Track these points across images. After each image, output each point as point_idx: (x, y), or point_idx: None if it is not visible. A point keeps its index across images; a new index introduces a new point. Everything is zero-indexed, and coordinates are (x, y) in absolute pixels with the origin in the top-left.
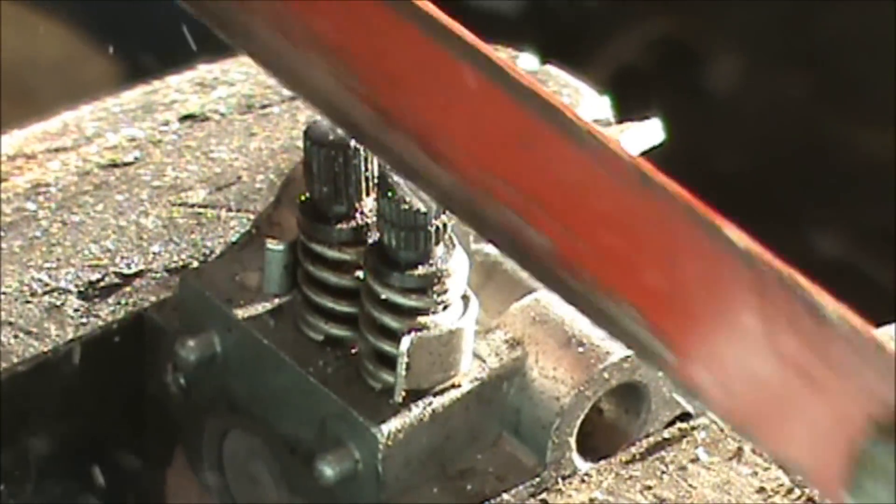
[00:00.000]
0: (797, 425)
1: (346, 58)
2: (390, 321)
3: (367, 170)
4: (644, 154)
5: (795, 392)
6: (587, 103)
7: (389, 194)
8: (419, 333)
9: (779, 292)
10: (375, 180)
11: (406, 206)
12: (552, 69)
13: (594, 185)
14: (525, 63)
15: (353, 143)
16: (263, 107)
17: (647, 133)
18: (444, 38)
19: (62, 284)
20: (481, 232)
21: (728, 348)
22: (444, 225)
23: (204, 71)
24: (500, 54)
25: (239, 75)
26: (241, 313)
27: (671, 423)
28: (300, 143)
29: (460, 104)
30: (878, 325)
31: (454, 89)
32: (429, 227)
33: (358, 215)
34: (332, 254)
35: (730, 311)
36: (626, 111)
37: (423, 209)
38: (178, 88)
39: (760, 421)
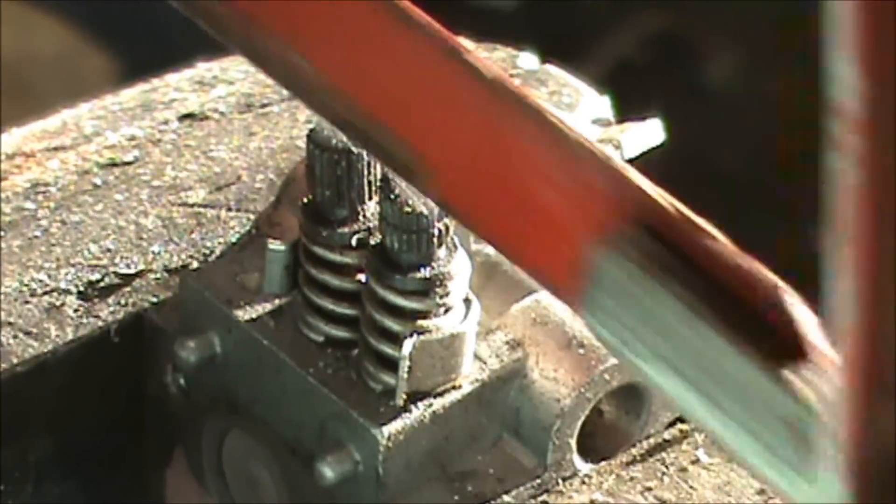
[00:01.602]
0: (538, 238)
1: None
2: (392, 324)
3: (369, 174)
4: (644, 154)
5: (534, 204)
6: (587, 103)
7: (392, 197)
8: (421, 337)
9: (517, 110)
10: (378, 184)
11: (408, 210)
12: (552, 69)
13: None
14: (525, 62)
15: (355, 147)
16: (263, 106)
17: (647, 133)
18: None
19: (61, 285)
20: (252, 60)
21: (473, 163)
22: (447, 228)
23: (203, 69)
24: (500, 53)
25: (238, 74)
26: (241, 314)
27: (672, 425)
28: (300, 143)
29: None
30: None
31: None
32: (431, 230)
33: (360, 218)
34: (334, 257)
35: (473, 129)
36: (625, 108)
37: (425, 212)
38: (178, 87)
39: (507, 231)
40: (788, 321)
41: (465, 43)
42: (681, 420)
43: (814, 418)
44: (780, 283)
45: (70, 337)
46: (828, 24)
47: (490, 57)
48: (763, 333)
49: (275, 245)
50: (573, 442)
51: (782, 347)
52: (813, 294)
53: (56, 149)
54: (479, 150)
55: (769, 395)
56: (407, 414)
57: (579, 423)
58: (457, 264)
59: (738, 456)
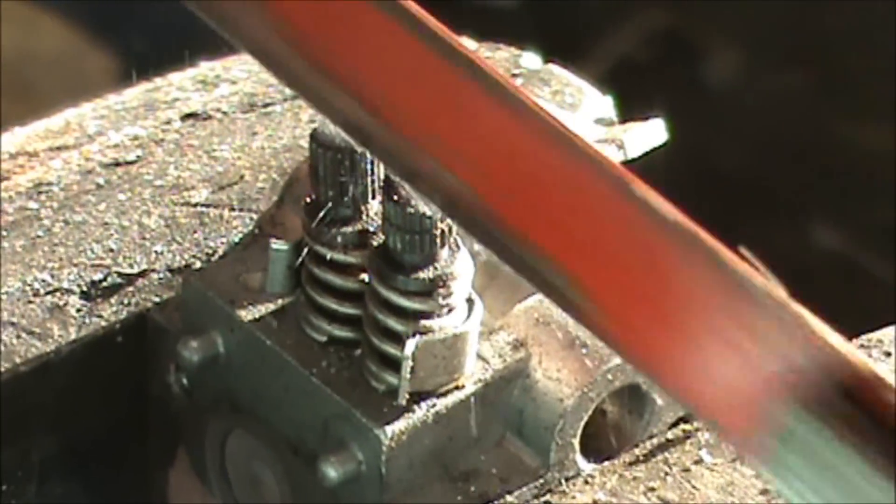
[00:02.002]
0: (715, 387)
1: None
2: (394, 324)
3: (372, 173)
4: (647, 154)
5: (716, 354)
6: (590, 102)
7: (395, 198)
8: (424, 337)
9: (702, 257)
10: (381, 184)
11: (411, 210)
12: (555, 68)
13: (510, 137)
14: (528, 62)
15: (358, 147)
16: (266, 105)
17: (650, 133)
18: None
19: (64, 284)
20: (413, 185)
21: (649, 309)
22: (449, 228)
23: (206, 68)
24: (503, 53)
25: (241, 73)
26: (244, 314)
27: (675, 425)
28: (303, 142)
29: (397, 66)
30: (880, 322)
31: (396, 57)
32: (434, 231)
33: (363, 218)
34: (337, 256)
35: (658, 273)
36: (627, 107)
37: (428, 212)
38: (181, 86)
39: (682, 377)
40: None
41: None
42: (684, 420)
43: None
44: None
45: (73, 337)
46: None
47: (493, 57)
48: None
49: (278, 245)
50: (576, 442)
51: None
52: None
53: (59, 148)
54: (649, 287)
55: None
56: (410, 414)
57: (582, 423)
58: (459, 265)
59: None
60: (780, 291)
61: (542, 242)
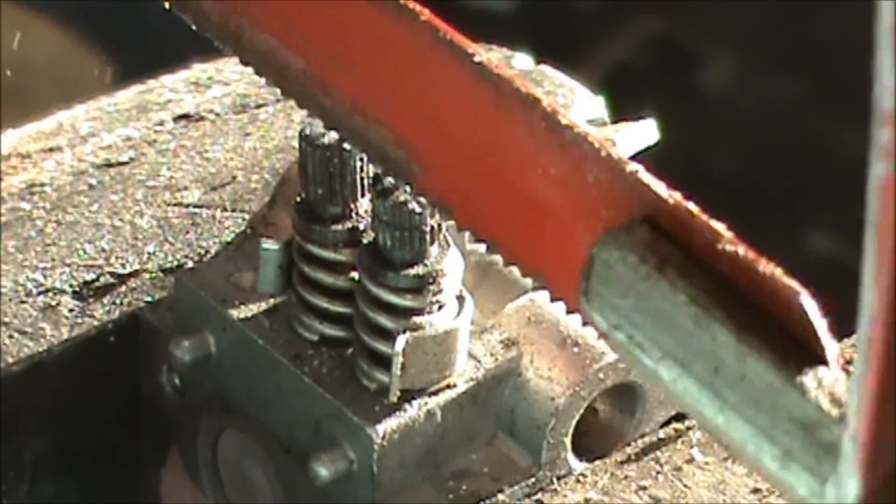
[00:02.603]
0: (534, 234)
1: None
2: (385, 321)
3: (362, 171)
4: (639, 154)
5: (531, 200)
6: (582, 103)
7: (384, 195)
8: (414, 333)
9: (516, 104)
10: (370, 181)
11: (401, 207)
12: (547, 69)
13: (348, 10)
14: (520, 63)
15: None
16: (258, 106)
17: (641, 133)
18: None
19: (57, 284)
20: (240, 56)
21: (467, 159)
22: (439, 225)
23: (198, 70)
24: (495, 54)
25: (233, 74)
26: (235, 313)
27: (666, 424)
28: (295, 143)
29: None
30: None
31: None
32: (423, 227)
33: (353, 216)
34: (328, 254)
35: (469, 123)
36: (620, 110)
37: (417, 209)
38: (173, 88)
39: (502, 229)
40: (802, 323)
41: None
42: (675, 419)
43: (832, 422)
44: (795, 285)
45: (65, 336)
46: (878, 36)
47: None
48: (776, 334)
49: (269, 244)
50: (568, 441)
51: (797, 349)
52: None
53: (52, 150)
54: (472, 143)
55: (785, 398)
56: (402, 413)
57: (574, 422)
58: (449, 261)
59: (749, 458)
60: (579, 124)
61: (369, 108)
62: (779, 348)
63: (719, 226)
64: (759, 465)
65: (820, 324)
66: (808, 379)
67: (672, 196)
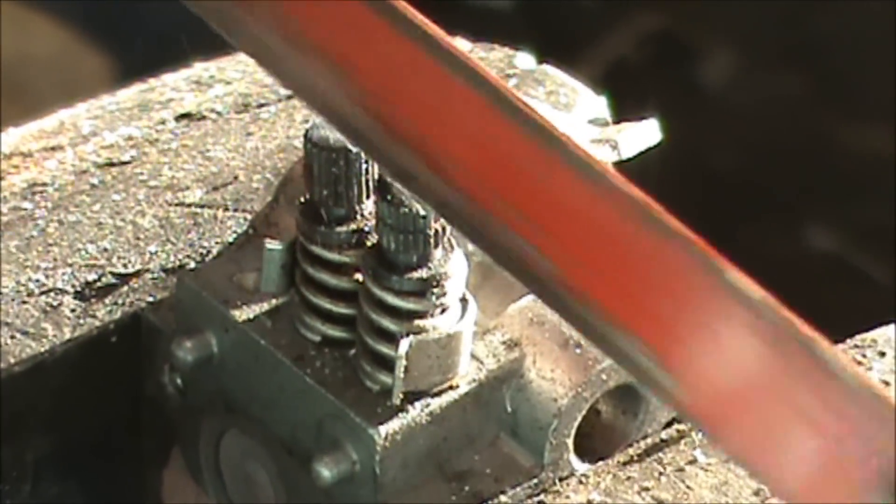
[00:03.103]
0: (799, 469)
1: (343, 64)
2: (388, 324)
3: (367, 173)
4: (641, 154)
5: (799, 437)
6: (584, 103)
7: (389, 198)
8: (417, 337)
9: (790, 343)
10: (375, 183)
11: (405, 210)
12: (549, 69)
13: (598, 215)
14: (522, 62)
15: (353, 146)
16: (260, 106)
17: (644, 133)
18: (437, 51)
19: (59, 285)
20: (483, 247)
21: (735, 388)
22: (443, 228)
23: (200, 69)
24: (497, 53)
25: (235, 74)
26: (238, 314)
27: (669, 425)
28: (297, 143)
29: (459, 120)
30: (877, 323)
31: (451, 105)
32: (427, 231)
33: (358, 218)
34: (331, 256)
35: (737, 356)
36: (621, 108)
37: (421, 212)
38: (175, 87)
39: (767, 460)
40: None
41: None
42: (678, 420)
43: None
44: None
45: (67, 337)
46: None
47: (487, 57)
48: None
49: (272, 245)
50: (570, 442)
51: None
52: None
53: (53, 149)
54: (739, 377)
55: None
56: (404, 414)
57: (576, 423)
58: (453, 265)
59: None
60: (860, 370)
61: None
62: None
63: None
64: None
65: None
66: None
67: None
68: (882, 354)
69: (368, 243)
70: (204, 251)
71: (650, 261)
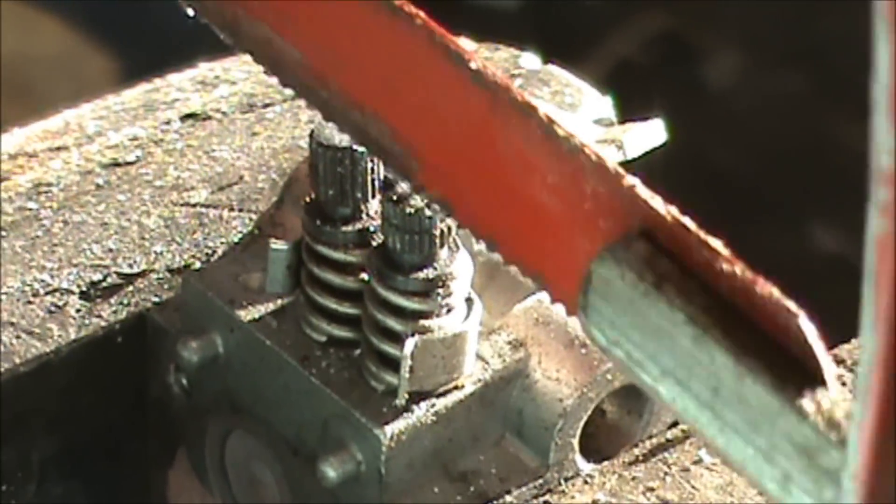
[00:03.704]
0: (533, 238)
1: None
2: (394, 323)
3: (372, 172)
4: (646, 154)
5: (530, 205)
6: (589, 103)
7: (394, 197)
8: (423, 337)
9: (513, 111)
10: (381, 183)
11: (411, 209)
12: (554, 69)
13: (342, 8)
14: (527, 62)
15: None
16: (265, 106)
17: (649, 133)
18: None
19: (64, 285)
20: (237, 44)
21: (465, 159)
22: (449, 228)
23: (205, 69)
24: (502, 53)
25: (241, 74)
26: (243, 314)
27: (674, 425)
28: (303, 143)
29: None
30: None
31: None
32: (433, 231)
33: (363, 217)
34: (337, 255)
35: (466, 126)
36: (626, 108)
37: (427, 212)
38: (180, 87)
39: (501, 230)
40: (800, 344)
41: (466, 43)
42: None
43: (831, 446)
44: (793, 306)
45: (72, 337)
46: (875, 97)
47: (492, 58)
48: (775, 355)
49: (277, 245)
50: (575, 442)
51: (795, 371)
52: (812, 296)
53: (58, 149)
54: (472, 145)
55: (784, 421)
56: (409, 414)
57: (582, 423)
58: (459, 264)
59: (750, 478)
60: (601, 152)
61: (371, 105)
62: (777, 370)
63: (717, 243)
64: (760, 486)
65: (819, 346)
66: (807, 402)
67: (670, 211)
68: None
69: (374, 243)
70: (209, 251)
71: (384, 43)
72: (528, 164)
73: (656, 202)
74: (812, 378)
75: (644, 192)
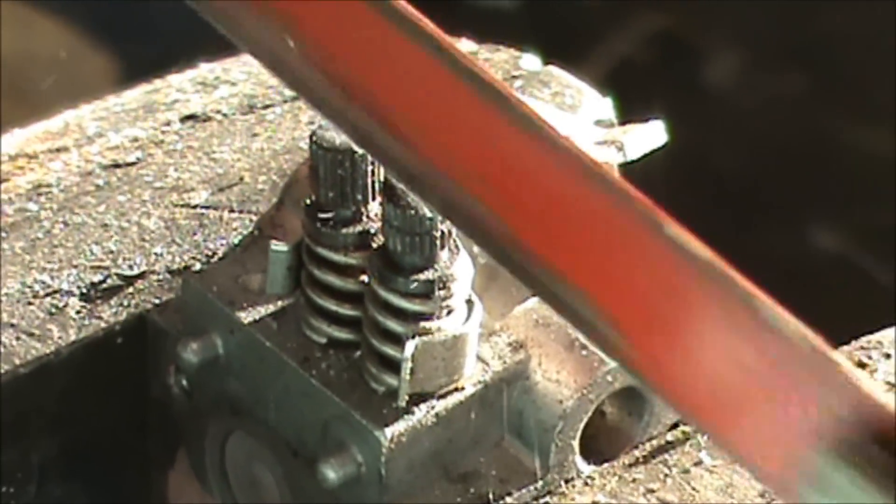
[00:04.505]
0: (749, 430)
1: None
2: (394, 325)
3: (372, 174)
4: (647, 155)
5: (749, 397)
6: (590, 104)
7: (395, 199)
8: (423, 338)
9: (736, 301)
10: (381, 185)
11: (411, 211)
12: (554, 70)
13: (547, 172)
14: (527, 63)
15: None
16: (266, 107)
17: (649, 134)
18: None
19: (64, 286)
20: (436, 207)
21: (684, 348)
22: (449, 230)
23: (206, 70)
24: (502, 54)
25: (241, 75)
26: (243, 315)
27: (674, 426)
28: (303, 144)
29: (414, 83)
30: (880, 324)
31: (410, 71)
32: (433, 232)
33: (363, 219)
34: (338, 257)
35: (686, 313)
36: (626, 109)
37: (427, 214)
38: (180, 88)
39: (715, 420)
40: None
41: (466, 44)
42: (683, 422)
43: None
44: None
45: (72, 338)
46: None
47: (492, 59)
48: None
49: (277, 246)
50: (576, 443)
51: None
52: (812, 296)
53: (58, 150)
54: (680, 324)
55: None
56: (410, 416)
57: (582, 425)
58: (459, 266)
59: None
60: (812, 335)
61: (574, 277)
62: None
63: None
64: None
65: None
66: None
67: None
68: (887, 356)
69: (374, 245)
70: (209, 252)
71: (594, 217)
72: (742, 358)
73: (883, 397)
74: None
75: (873, 387)
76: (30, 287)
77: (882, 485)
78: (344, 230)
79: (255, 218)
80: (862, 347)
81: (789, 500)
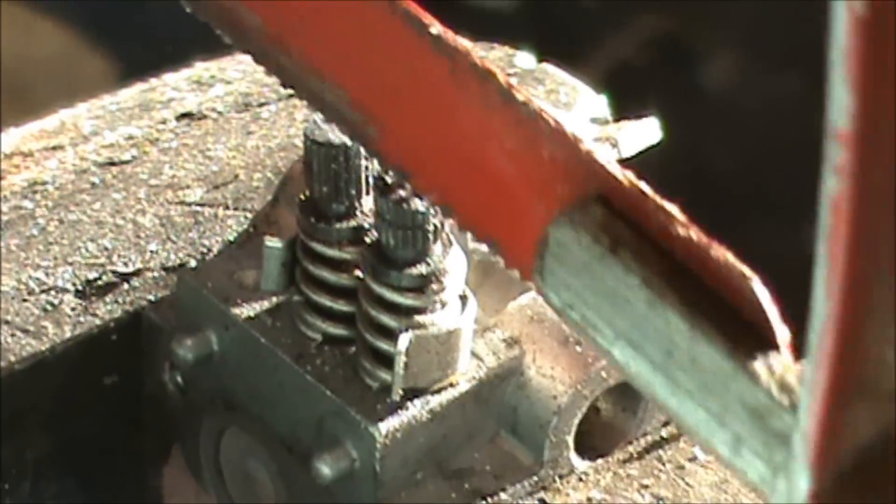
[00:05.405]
0: (490, 204)
1: None
2: (388, 320)
3: (366, 169)
4: (642, 152)
5: (487, 170)
6: (584, 101)
7: (388, 194)
8: (417, 332)
9: (472, 77)
10: (374, 180)
11: (404, 206)
12: (549, 67)
13: None
14: (522, 61)
15: (352, 143)
16: (261, 105)
17: (644, 131)
18: None
19: (59, 283)
20: (198, 12)
21: (423, 126)
22: (442, 224)
23: (201, 69)
24: (497, 52)
25: (236, 73)
26: (238, 312)
27: (669, 422)
28: (298, 142)
29: None
30: None
31: None
32: (427, 227)
33: (357, 214)
34: (331, 252)
35: (425, 92)
36: (623, 108)
37: (421, 208)
38: (176, 86)
39: (458, 197)
40: (754, 308)
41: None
42: None
43: (782, 410)
44: (747, 270)
45: (68, 335)
46: (831, 54)
47: (487, 56)
48: (728, 319)
49: (272, 242)
50: (570, 439)
51: (749, 335)
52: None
53: (54, 148)
54: (430, 111)
55: (736, 384)
56: (404, 411)
57: (576, 421)
58: (452, 260)
59: (702, 442)
60: (533, 99)
61: (330, 73)
62: (730, 333)
63: (673, 208)
64: (712, 449)
65: (771, 310)
66: (759, 365)
67: (626, 176)
68: None
69: (368, 240)
70: (204, 250)
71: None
72: (486, 129)
73: (613, 167)
74: (765, 342)
75: (601, 156)
76: (25, 284)
77: (601, 241)
78: (338, 225)
79: (249, 215)
80: None
81: (531, 272)
